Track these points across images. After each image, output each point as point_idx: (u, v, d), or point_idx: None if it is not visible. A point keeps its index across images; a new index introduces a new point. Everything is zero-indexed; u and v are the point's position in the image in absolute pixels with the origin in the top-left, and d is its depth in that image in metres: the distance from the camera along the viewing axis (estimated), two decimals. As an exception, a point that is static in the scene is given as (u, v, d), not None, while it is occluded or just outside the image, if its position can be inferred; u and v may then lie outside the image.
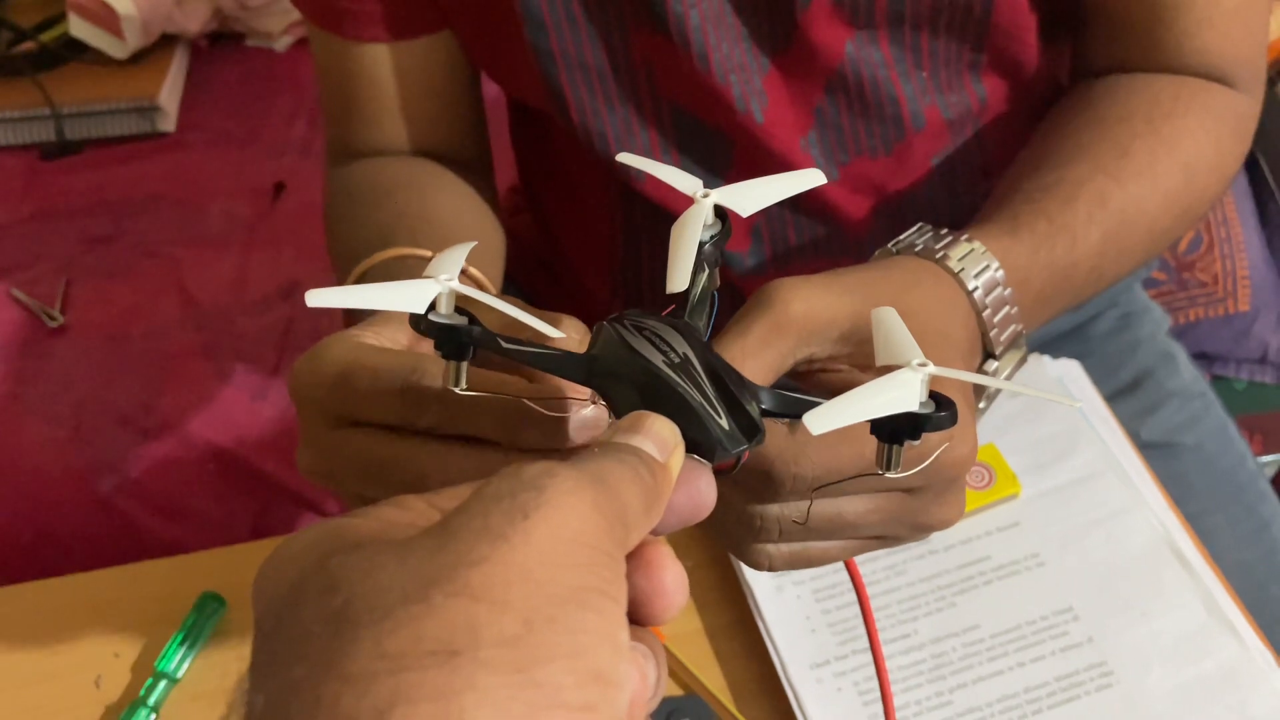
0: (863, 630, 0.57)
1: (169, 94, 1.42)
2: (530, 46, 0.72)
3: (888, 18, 0.71)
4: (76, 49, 1.42)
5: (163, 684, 0.67)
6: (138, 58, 1.43)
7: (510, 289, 0.84)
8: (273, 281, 1.23)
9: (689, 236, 0.41)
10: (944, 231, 0.58)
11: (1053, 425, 0.76)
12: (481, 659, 0.27)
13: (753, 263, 0.81)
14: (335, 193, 0.79)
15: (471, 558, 0.28)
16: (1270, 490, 0.87)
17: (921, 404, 0.36)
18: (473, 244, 0.42)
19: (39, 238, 1.28)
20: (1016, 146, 0.73)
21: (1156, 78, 0.72)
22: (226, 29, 1.51)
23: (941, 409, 0.37)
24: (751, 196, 0.42)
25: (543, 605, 0.28)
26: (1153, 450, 0.82)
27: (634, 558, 0.33)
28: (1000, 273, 0.56)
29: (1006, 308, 0.56)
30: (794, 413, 0.38)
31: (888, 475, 0.39)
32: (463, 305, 0.39)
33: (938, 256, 0.56)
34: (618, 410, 0.39)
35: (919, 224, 0.59)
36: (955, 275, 0.55)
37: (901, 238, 0.59)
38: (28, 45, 1.44)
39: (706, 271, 0.42)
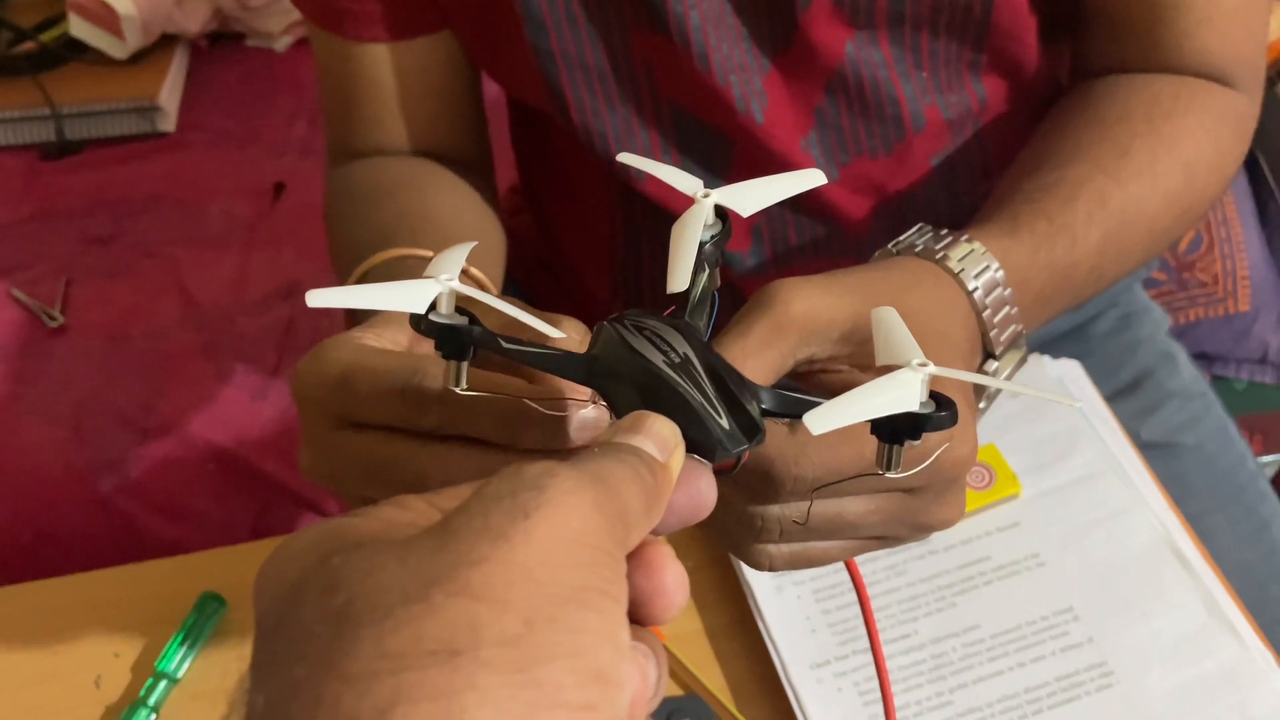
0: (863, 630, 0.57)
1: (169, 94, 1.41)
2: (530, 46, 0.72)
3: (888, 18, 0.71)
4: (76, 49, 1.42)
5: (163, 684, 0.67)
6: (138, 58, 1.43)
7: (510, 289, 0.84)
8: (273, 282, 1.23)
9: (689, 236, 0.41)
10: (944, 232, 0.58)
11: (1053, 425, 0.76)
12: (482, 658, 0.27)
13: (753, 263, 0.81)
14: (336, 193, 0.79)
15: (472, 557, 0.28)
16: (1270, 490, 0.87)
17: (922, 404, 0.36)
18: (473, 244, 0.42)
19: (39, 238, 1.28)
20: (1016, 146, 0.73)
21: (1156, 78, 0.72)
22: (226, 29, 1.51)
23: (942, 409, 0.37)
24: (752, 196, 0.42)
25: (544, 605, 0.28)
26: (1153, 450, 0.82)
27: (634, 557, 0.33)
28: (1000, 273, 0.56)
29: (1006, 308, 0.56)
30: (794, 413, 0.38)
31: (888, 475, 0.39)
32: (463, 305, 0.39)
33: (938, 257, 0.56)
34: (618, 410, 0.39)
35: (919, 224, 0.59)
36: (955, 275, 0.55)
37: (901, 238, 0.59)
38: (28, 45, 1.44)
39: (707, 271, 0.42)
